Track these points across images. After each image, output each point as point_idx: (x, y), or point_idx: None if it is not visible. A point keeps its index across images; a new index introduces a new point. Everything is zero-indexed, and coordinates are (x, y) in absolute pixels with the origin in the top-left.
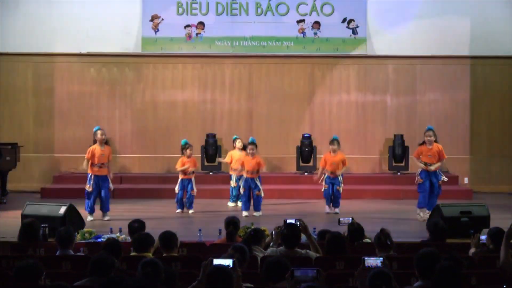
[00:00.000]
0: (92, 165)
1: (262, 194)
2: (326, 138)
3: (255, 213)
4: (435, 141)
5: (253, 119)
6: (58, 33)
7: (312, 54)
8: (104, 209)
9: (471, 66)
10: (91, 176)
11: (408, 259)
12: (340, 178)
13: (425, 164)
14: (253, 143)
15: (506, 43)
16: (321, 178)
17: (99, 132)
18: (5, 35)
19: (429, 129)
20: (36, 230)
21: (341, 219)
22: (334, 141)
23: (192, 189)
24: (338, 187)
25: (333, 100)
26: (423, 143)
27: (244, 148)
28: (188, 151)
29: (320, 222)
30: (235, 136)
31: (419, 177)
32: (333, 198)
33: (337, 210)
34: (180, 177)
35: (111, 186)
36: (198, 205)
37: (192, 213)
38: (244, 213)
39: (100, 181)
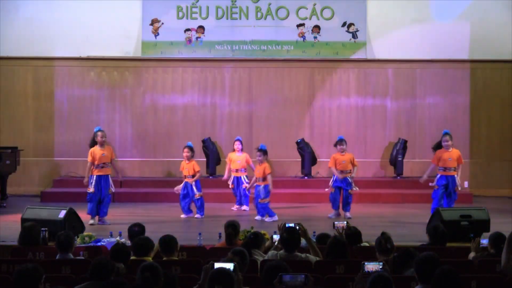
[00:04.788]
0: (94, 166)
1: (263, 197)
2: (326, 141)
3: (264, 219)
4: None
5: (253, 123)
6: (58, 37)
7: (312, 58)
8: (102, 213)
9: (471, 70)
10: (92, 177)
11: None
12: (350, 180)
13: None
14: (261, 149)
15: (506, 47)
16: (331, 181)
17: (99, 134)
18: (5, 39)
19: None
20: (36, 234)
21: (335, 222)
22: (342, 141)
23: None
24: (350, 190)
25: (333, 104)
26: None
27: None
28: (183, 153)
29: (321, 226)
30: (237, 138)
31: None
32: (343, 203)
33: (348, 214)
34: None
35: (113, 188)
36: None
37: (197, 217)
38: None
39: (102, 181)
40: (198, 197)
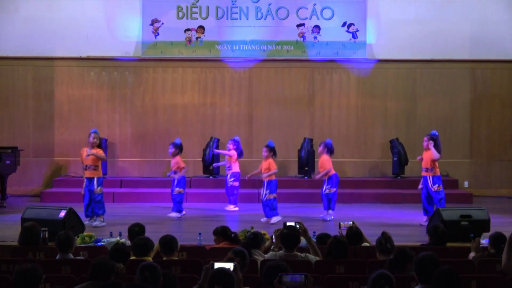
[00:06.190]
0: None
1: (265, 198)
2: None
3: (262, 219)
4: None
5: (253, 123)
6: (58, 37)
7: (312, 58)
8: (90, 213)
9: (471, 70)
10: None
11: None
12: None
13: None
14: (267, 145)
15: (506, 47)
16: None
17: (91, 135)
18: (5, 38)
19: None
20: (36, 234)
21: (341, 223)
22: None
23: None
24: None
25: (333, 104)
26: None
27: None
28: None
29: (321, 226)
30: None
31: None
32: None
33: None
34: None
35: (83, 191)
36: (198, 209)
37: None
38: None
39: (88, 183)
40: (176, 193)
